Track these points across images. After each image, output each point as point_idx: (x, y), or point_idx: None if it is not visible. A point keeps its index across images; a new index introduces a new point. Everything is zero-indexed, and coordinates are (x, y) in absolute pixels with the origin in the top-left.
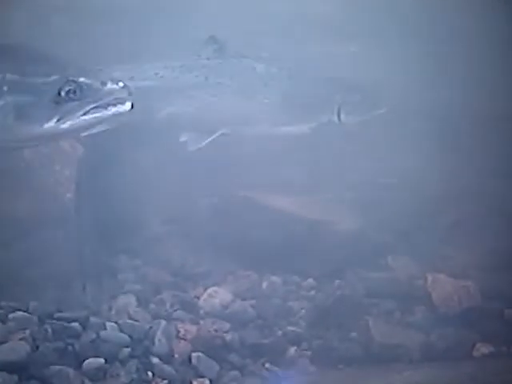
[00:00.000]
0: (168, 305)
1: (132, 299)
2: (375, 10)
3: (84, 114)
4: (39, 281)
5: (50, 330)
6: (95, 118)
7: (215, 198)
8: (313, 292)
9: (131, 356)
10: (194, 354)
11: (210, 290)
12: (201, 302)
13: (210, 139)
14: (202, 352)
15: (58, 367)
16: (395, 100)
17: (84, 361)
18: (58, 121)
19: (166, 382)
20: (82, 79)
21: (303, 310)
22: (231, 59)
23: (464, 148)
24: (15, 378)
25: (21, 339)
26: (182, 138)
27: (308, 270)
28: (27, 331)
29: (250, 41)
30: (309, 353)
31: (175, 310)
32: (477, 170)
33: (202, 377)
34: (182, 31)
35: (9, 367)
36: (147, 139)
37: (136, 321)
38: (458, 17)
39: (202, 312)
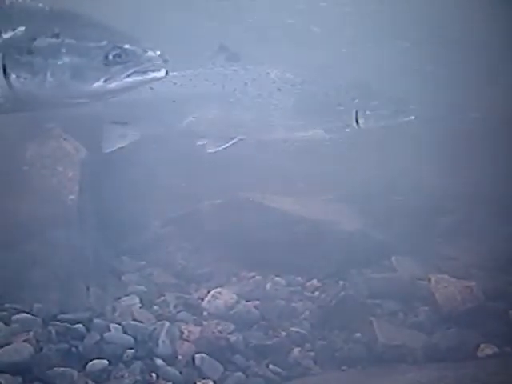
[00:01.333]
0: (172, 306)
1: (136, 301)
2: (392, 14)
3: (127, 77)
4: (43, 283)
5: (53, 332)
6: (136, 80)
7: (218, 200)
8: (316, 293)
9: (135, 357)
10: (197, 356)
11: (213, 292)
12: (204, 304)
13: (228, 144)
14: (206, 353)
15: (61, 369)
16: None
17: (88, 362)
18: (105, 81)
19: (169, 383)
20: (126, 45)
21: (307, 311)
22: (246, 66)
23: (467, 149)
24: (19, 379)
25: (24, 341)
26: (200, 143)
27: (312, 271)
28: (31, 333)
29: (263, 47)
30: (312, 354)
31: (179, 312)
32: (480, 172)
33: (206, 378)
34: (193, 40)
35: (12, 369)
36: (151, 142)
37: (140, 322)
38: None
39: (205, 313)
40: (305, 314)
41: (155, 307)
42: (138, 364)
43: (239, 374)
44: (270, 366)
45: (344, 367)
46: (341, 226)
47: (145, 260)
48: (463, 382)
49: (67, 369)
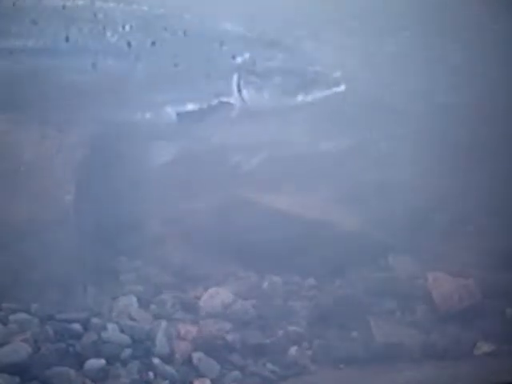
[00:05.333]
0: (169, 305)
1: (133, 300)
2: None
3: (319, 92)
4: (40, 282)
5: (51, 332)
6: (324, 94)
7: (215, 199)
8: (313, 292)
9: (132, 357)
10: (194, 355)
11: (210, 291)
12: (201, 303)
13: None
14: (203, 352)
15: (59, 368)
16: (393, 100)
17: (85, 362)
18: (304, 95)
19: (167, 382)
20: (318, 68)
21: (304, 310)
22: None
23: (464, 147)
24: (17, 379)
25: (22, 341)
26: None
27: (308, 270)
28: (28, 333)
29: None
30: (310, 352)
31: (176, 311)
32: (476, 169)
33: (203, 377)
34: None
35: (10, 369)
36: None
37: (137, 322)
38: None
39: (202, 312)
40: (302, 313)
41: (152, 306)
42: (135, 363)
43: (236, 372)
44: (267, 365)
45: (341, 366)
46: (338, 225)
47: (142, 260)
48: (460, 379)
49: (65, 368)
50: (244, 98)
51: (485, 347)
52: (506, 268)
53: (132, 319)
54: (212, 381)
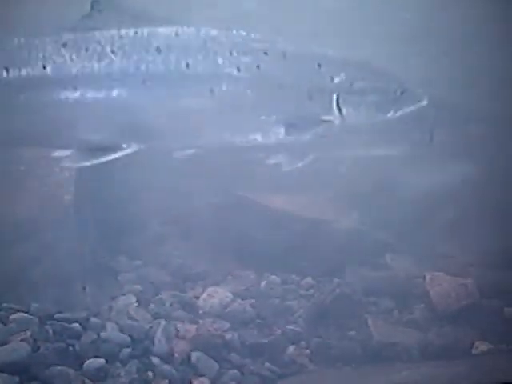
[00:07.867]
0: (168, 305)
1: (132, 300)
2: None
3: (407, 107)
4: (40, 282)
5: (50, 331)
6: (411, 109)
7: (214, 199)
8: (311, 291)
9: (131, 356)
10: (193, 354)
11: (209, 290)
12: (200, 302)
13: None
14: (202, 351)
15: (58, 368)
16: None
17: (85, 361)
18: (395, 111)
19: (166, 381)
20: (406, 85)
21: (302, 309)
22: None
23: (463, 146)
24: (16, 378)
25: (22, 340)
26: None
27: (307, 269)
28: (28, 332)
29: None
30: (308, 351)
31: (175, 310)
32: (475, 169)
33: (202, 376)
34: None
35: (10, 368)
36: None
37: (136, 321)
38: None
39: (201, 312)
40: (300, 312)
41: (151, 306)
42: (134, 362)
43: (235, 371)
44: (266, 364)
45: (339, 365)
46: (336, 225)
47: (141, 259)
48: (458, 379)
49: (64, 368)
50: (344, 115)
51: (483, 346)
52: (503, 267)
53: (131, 319)
54: (211, 380)
